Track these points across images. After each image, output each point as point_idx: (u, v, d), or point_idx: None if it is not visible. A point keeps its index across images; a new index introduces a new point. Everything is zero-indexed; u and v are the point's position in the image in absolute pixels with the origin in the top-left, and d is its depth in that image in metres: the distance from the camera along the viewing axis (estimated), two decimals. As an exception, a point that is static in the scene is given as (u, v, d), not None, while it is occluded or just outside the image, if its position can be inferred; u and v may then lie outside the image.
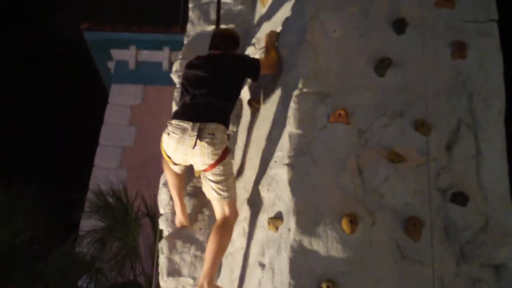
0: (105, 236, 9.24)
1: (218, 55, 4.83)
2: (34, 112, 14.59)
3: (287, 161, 4.05)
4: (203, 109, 4.49)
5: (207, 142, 4.38)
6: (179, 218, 5.07)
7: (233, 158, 4.95)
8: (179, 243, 5.00)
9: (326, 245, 3.75)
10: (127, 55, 13.32)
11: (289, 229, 3.82)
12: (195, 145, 4.39)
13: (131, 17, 13.44)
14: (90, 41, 13.30)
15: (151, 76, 12.89)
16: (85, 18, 13.40)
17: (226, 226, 4.49)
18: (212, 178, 4.51)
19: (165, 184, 5.23)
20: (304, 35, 4.39)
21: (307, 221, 3.82)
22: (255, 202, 4.41)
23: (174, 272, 4.90)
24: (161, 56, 13.11)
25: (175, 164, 4.73)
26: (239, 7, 5.87)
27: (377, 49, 4.36)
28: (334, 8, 4.49)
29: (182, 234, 5.03)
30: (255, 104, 4.96)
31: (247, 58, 5.02)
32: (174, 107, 5.22)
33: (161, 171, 5.33)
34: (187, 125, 4.42)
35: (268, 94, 4.79)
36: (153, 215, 9.13)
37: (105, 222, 9.35)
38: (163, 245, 5.02)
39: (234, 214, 4.57)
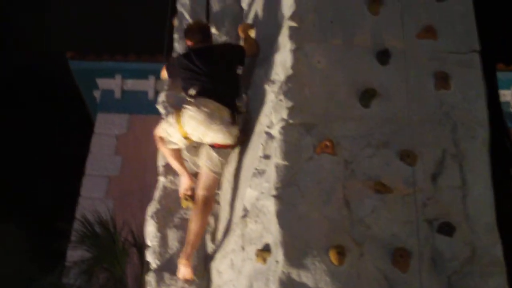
0: (92, 267, 9.15)
1: (208, 48, 5.27)
2: (20, 142, 14.52)
3: (274, 192, 4.04)
4: (223, 96, 4.95)
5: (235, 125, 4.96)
6: (186, 182, 5.24)
7: None
8: (166, 276, 4.99)
9: (315, 277, 3.73)
10: (113, 84, 13.29)
11: (277, 261, 3.80)
12: (233, 119, 4.95)
13: (116, 46, 13.46)
14: (75, 70, 13.25)
15: (137, 105, 12.84)
16: (70, 47, 13.41)
17: (208, 203, 4.99)
18: (217, 153, 5.01)
19: (152, 216, 5.22)
20: (289, 67, 4.42)
21: (295, 253, 3.80)
22: (242, 234, 4.40)
23: (162, 304, 4.89)
24: (147, 85, 13.07)
25: (185, 139, 5.09)
26: (224, 38, 5.92)
27: (362, 79, 4.40)
28: (318, 39, 4.53)
29: (169, 267, 5.01)
30: (242, 135, 4.97)
31: (234, 45, 5.52)
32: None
33: (147, 201, 5.32)
34: (217, 104, 4.89)
35: (255, 125, 4.81)
36: (140, 245, 9.04)
37: (92, 252, 9.26)
38: (150, 278, 5.00)
39: (213, 193, 5.07)
